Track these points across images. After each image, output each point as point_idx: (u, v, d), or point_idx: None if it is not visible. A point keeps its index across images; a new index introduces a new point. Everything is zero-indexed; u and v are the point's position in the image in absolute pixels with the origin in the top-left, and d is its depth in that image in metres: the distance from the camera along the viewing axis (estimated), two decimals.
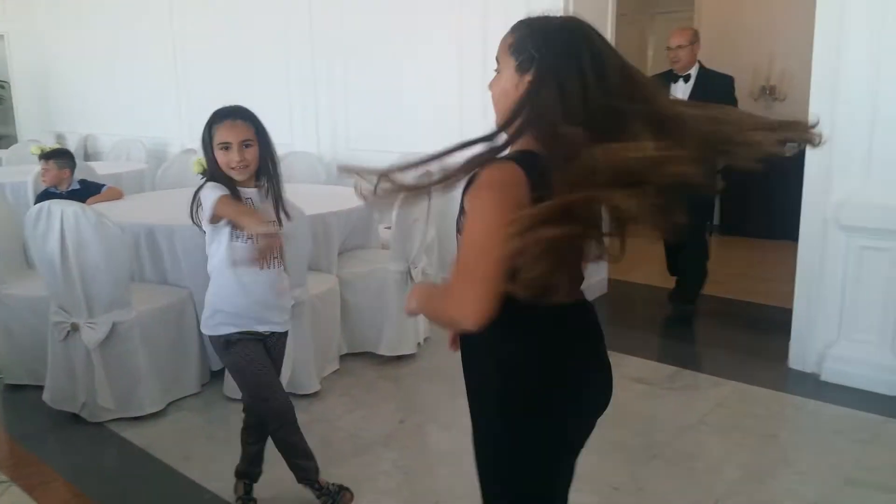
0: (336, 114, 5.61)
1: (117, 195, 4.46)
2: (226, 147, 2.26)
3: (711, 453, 2.96)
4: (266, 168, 2.35)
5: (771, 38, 6.49)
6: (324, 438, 3.09)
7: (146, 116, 7.51)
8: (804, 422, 3.21)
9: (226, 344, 2.38)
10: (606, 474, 2.81)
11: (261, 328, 2.39)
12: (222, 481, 2.78)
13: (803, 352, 3.65)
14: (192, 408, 3.42)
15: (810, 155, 3.49)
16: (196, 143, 5.97)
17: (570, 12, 4.20)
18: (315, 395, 3.46)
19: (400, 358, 3.86)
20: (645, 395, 3.47)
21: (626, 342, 3.97)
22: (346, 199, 4.16)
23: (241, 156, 2.25)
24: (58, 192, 4.26)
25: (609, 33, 4.65)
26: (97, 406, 3.16)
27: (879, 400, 3.33)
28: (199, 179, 4.14)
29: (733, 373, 3.64)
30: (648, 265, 6.14)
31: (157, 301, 3.38)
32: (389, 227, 3.90)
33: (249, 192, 2.35)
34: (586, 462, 2.87)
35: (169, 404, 3.38)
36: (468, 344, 1.50)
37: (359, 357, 3.90)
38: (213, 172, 2.33)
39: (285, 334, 2.51)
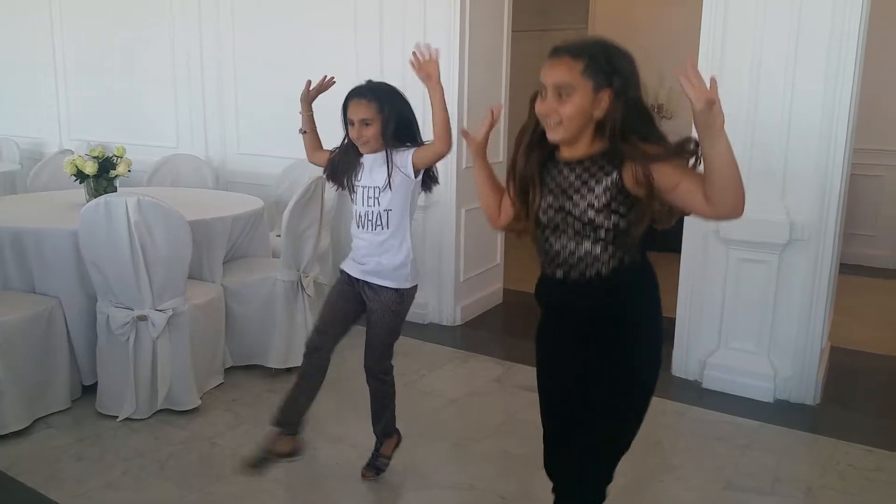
0: (226, 116, 5.40)
1: None
2: (350, 123, 2.50)
3: None
4: (398, 136, 2.50)
5: (661, 57, 6.70)
6: (203, 457, 2.94)
7: (22, 115, 7.02)
8: (687, 428, 3.29)
9: None
10: (496, 483, 2.80)
11: (350, 270, 2.64)
12: (91, 502, 2.59)
13: (686, 360, 3.77)
14: (61, 425, 3.18)
15: None
16: (73, 143, 5.65)
17: (467, 28, 4.29)
18: (195, 411, 3.29)
19: (290, 370, 3.71)
20: (535, 403, 3.47)
21: (518, 351, 3.99)
22: (232, 204, 4.01)
23: (358, 133, 2.47)
24: None
25: (504, 48, 4.70)
26: None
27: (756, 406, 3.47)
28: (73, 180, 3.93)
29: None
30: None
31: (22, 311, 3.14)
32: (280, 235, 3.77)
33: (366, 157, 2.55)
34: (475, 472, 2.88)
35: (35, 421, 3.14)
36: (623, 284, 1.77)
37: (246, 370, 3.75)
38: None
39: (382, 291, 2.58)
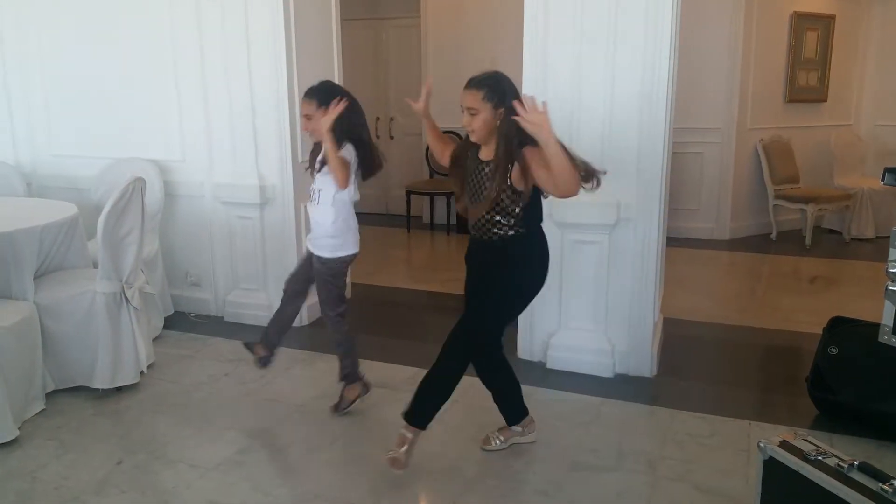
0: (34, 115, 4.91)
1: None
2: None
3: (449, 453, 2.98)
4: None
5: (492, 42, 6.84)
6: (22, 494, 2.67)
7: None
8: (533, 410, 3.34)
9: None
10: (346, 491, 2.72)
11: (308, 245, 3.26)
12: None
13: (531, 342, 3.85)
14: None
15: None
16: None
17: (292, 17, 4.12)
18: (13, 443, 2.98)
19: (120, 389, 3.46)
20: (386, 399, 3.43)
21: (367, 348, 3.92)
22: (42, 212, 3.66)
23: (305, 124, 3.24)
24: None
25: (334, 36, 4.57)
26: None
27: (598, 382, 3.59)
28: None
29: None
30: (390, 268, 6.20)
31: None
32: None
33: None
34: (324, 481, 2.78)
35: None
36: (503, 245, 2.64)
37: (70, 393, 3.44)
38: None
39: (319, 258, 3.18)
